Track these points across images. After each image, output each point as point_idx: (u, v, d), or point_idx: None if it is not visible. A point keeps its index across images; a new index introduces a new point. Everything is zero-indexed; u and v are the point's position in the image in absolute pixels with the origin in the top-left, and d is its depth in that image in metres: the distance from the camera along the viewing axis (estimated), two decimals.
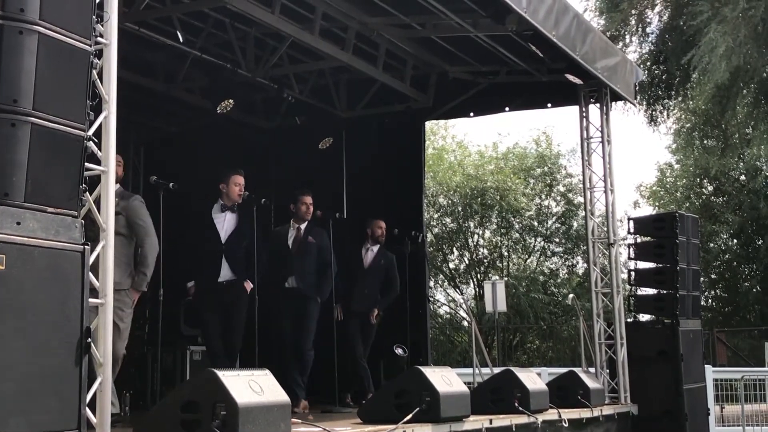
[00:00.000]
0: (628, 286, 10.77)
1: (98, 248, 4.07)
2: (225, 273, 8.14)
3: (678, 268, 10.28)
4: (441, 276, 30.03)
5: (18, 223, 3.12)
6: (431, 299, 29.65)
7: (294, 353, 8.75)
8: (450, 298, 30.72)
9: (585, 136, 10.44)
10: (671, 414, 9.89)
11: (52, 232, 3.26)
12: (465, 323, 28.72)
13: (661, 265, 10.50)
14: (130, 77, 10.06)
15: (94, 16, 3.47)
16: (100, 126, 4.12)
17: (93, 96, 3.87)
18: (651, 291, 10.76)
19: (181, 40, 9.44)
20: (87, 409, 3.89)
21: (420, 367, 6.52)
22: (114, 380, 6.79)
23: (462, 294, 29.68)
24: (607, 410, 9.25)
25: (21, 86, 3.18)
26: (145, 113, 11.49)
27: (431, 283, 29.87)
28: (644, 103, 21.36)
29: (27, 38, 3.19)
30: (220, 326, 8.19)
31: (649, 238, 10.82)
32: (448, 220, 29.52)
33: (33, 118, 3.22)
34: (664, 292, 10.42)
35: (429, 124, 22.24)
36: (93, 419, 3.95)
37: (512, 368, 8.03)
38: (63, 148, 3.33)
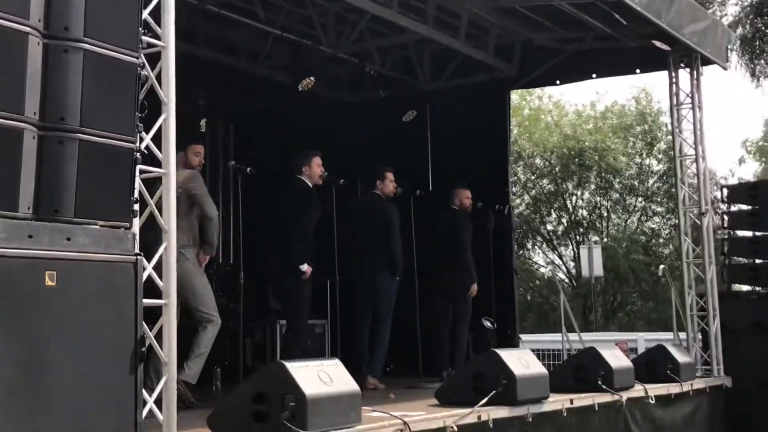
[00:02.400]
0: (721, 256, 10.47)
1: (161, 249, 4.15)
2: None
3: None
4: (539, 238, 29.79)
5: (68, 239, 3.19)
6: (529, 261, 29.49)
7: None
8: (548, 260, 30.47)
9: (675, 102, 10.15)
10: (767, 386, 9.62)
11: (103, 246, 3.33)
12: (564, 285, 28.46)
13: (756, 234, 10.20)
14: (214, 57, 10.24)
15: (140, 29, 3.51)
16: (159, 129, 4.20)
17: (149, 102, 3.92)
18: (746, 260, 10.47)
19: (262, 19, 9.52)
20: (154, 406, 4.01)
21: (497, 350, 6.49)
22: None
23: (561, 257, 29.42)
24: (698, 384, 9.06)
25: (67, 104, 3.24)
26: (232, 91, 11.66)
27: (529, 245, 29.69)
28: (746, 56, 20.68)
29: (72, 56, 3.25)
30: None
31: (743, 206, 10.49)
32: (545, 181, 29.19)
33: (80, 135, 3.27)
34: (760, 261, 10.12)
35: None
36: (160, 417, 4.06)
37: (595, 346, 7.91)
38: (112, 162, 3.39)
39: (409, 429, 5.24)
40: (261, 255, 9.36)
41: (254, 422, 4.71)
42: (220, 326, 7.07)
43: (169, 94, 4.24)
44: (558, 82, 11.59)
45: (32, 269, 3.07)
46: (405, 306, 9.21)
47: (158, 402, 4.07)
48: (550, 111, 30.61)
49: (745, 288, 10.65)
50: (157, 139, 4.19)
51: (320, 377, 4.92)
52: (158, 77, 4.21)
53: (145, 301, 3.68)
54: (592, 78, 11.21)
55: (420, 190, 9.32)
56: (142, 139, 3.74)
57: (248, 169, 7.47)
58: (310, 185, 8.16)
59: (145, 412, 3.69)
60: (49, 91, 3.20)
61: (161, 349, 4.07)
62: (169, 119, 4.23)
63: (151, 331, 3.93)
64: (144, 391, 3.65)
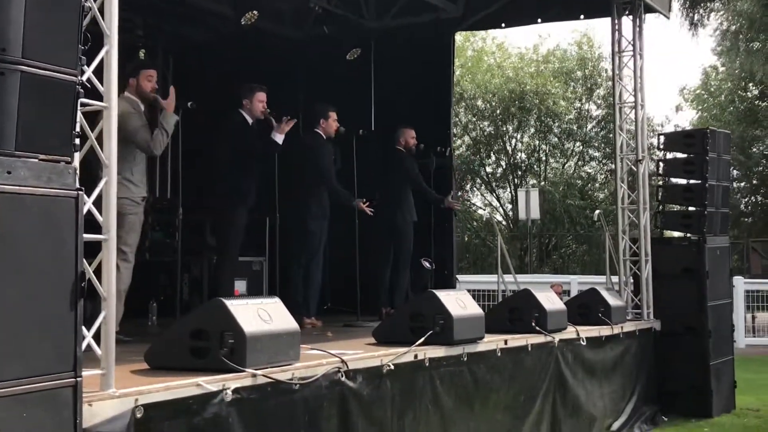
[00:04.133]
0: (655, 203, 10.68)
1: (101, 185, 4.10)
2: None
3: (707, 185, 10.16)
4: (478, 180, 29.99)
5: (8, 173, 3.13)
6: (467, 203, 29.68)
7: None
8: (486, 201, 30.75)
9: (617, 49, 10.23)
10: (694, 330, 9.88)
11: (44, 180, 3.27)
12: (501, 227, 28.80)
13: (690, 182, 10.39)
14: None
15: None
16: (101, 62, 4.12)
17: (92, 33, 3.85)
18: (679, 208, 10.69)
19: None
20: (92, 340, 3.99)
21: (435, 291, 6.56)
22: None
23: (499, 199, 29.66)
24: (629, 327, 9.27)
25: (9, 35, 3.16)
26: (172, 22, 11.41)
27: (467, 187, 29.89)
28: (686, 4, 20.87)
29: None
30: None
31: (679, 154, 10.67)
32: (485, 123, 29.33)
33: (23, 66, 3.20)
34: (692, 209, 10.33)
35: None
36: (98, 351, 4.04)
37: (530, 288, 8.05)
38: (54, 95, 3.32)
39: (347, 367, 5.30)
40: (199, 190, 9.30)
41: (193, 358, 4.72)
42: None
43: (111, 26, 4.14)
44: (503, 25, 11.59)
45: None
46: (345, 245, 9.25)
47: (96, 337, 4.06)
48: (493, 53, 30.66)
49: (677, 234, 10.88)
50: (99, 72, 4.12)
51: (259, 315, 4.94)
52: (100, 8, 4.11)
53: (85, 236, 3.64)
54: (537, 23, 11.26)
55: (363, 130, 9.31)
56: (83, 72, 3.67)
57: (189, 104, 7.36)
58: (249, 120, 8.08)
59: (83, 346, 3.69)
60: None
61: (100, 284, 4.05)
62: (111, 51, 4.14)
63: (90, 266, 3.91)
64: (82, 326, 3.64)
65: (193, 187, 9.90)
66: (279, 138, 7.94)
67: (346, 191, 8.81)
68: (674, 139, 10.82)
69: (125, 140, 6.91)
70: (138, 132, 6.95)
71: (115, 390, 3.97)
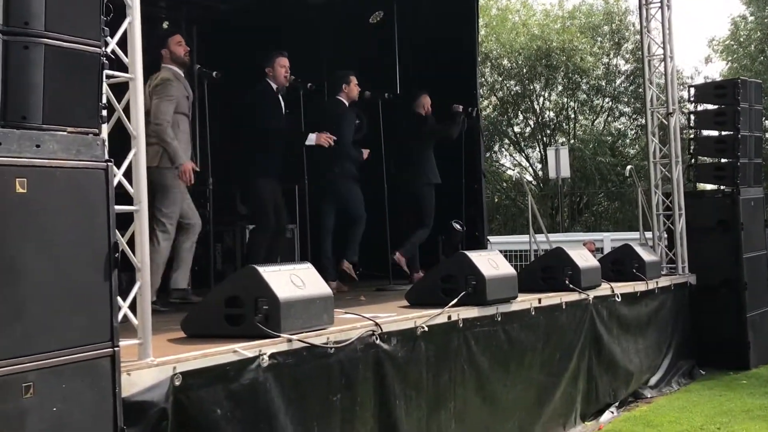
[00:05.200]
0: (687, 156, 10.56)
1: (130, 156, 4.11)
2: None
3: (740, 135, 10.03)
4: (506, 140, 29.82)
5: (37, 146, 3.15)
6: (496, 164, 29.57)
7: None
8: (515, 161, 30.59)
9: (644, 1, 10.10)
10: (730, 283, 9.82)
11: (73, 152, 3.28)
12: (531, 187, 28.68)
13: (722, 133, 10.27)
14: None
15: None
16: (125, 34, 4.11)
17: (114, 5, 3.84)
18: (711, 160, 10.58)
19: None
20: (128, 311, 4.02)
21: (466, 252, 6.54)
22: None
23: (528, 159, 29.49)
24: (664, 282, 9.23)
25: (31, 8, 3.16)
26: None
27: (496, 147, 29.75)
28: None
29: None
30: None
31: (710, 105, 10.53)
32: (512, 82, 29.10)
33: (46, 39, 3.20)
34: (725, 160, 10.22)
35: None
36: (134, 321, 4.08)
37: (562, 246, 8.00)
38: (79, 66, 3.32)
39: (381, 330, 5.31)
40: (228, 160, 9.30)
41: (228, 325, 4.75)
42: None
43: None
44: None
45: (2, 176, 3.04)
46: (374, 209, 9.23)
47: (132, 307, 4.09)
48: (518, 11, 30.37)
49: (710, 187, 10.78)
50: (123, 45, 4.12)
51: (293, 281, 4.95)
52: None
53: (117, 207, 3.66)
54: None
55: (388, 94, 9.26)
56: (107, 44, 3.67)
57: (214, 74, 7.36)
58: (275, 88, 8.05)
59: (120, 317, 3.71)
60: None
61: (134, 255, 4.07)
62: (134, 23, 4.14)
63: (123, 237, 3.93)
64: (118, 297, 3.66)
65: (223, 157, 9.93)
66: (311, 139, 8.00)
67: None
68: (705, 91, 10.66)
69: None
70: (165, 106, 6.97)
71: (152, 359, 4.00)
